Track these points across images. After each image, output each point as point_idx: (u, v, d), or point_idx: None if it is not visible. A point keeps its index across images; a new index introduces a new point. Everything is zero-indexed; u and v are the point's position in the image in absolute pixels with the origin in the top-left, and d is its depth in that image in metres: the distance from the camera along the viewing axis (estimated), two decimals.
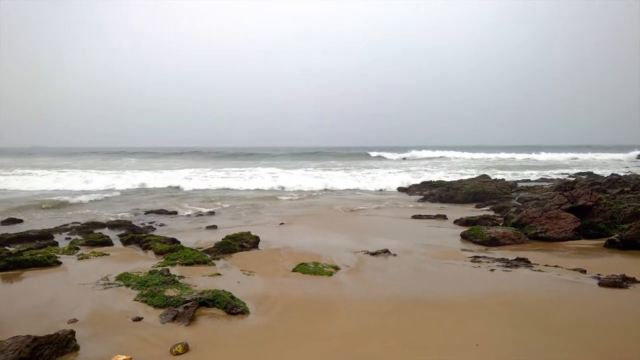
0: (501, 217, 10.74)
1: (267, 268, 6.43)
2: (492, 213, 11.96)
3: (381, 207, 13.82)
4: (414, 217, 11.53)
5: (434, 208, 13.59)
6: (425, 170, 30.08)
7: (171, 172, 27.76)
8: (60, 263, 6.54)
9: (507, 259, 6.67)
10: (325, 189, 18.58)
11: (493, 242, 8.02)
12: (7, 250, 6.94)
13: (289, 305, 4.80)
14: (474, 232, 8.49)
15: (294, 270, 6.22)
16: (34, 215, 12.19)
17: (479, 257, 6.94)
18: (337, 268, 6.34)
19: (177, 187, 19.32)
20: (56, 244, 8.17)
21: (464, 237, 8.66)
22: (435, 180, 19.84)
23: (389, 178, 22.09)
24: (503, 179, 18.74)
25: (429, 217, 11.44)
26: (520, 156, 47.15)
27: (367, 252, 7.29)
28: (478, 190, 15.29)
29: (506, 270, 6.09)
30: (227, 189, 19.25)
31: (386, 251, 7.22)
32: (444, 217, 11.33)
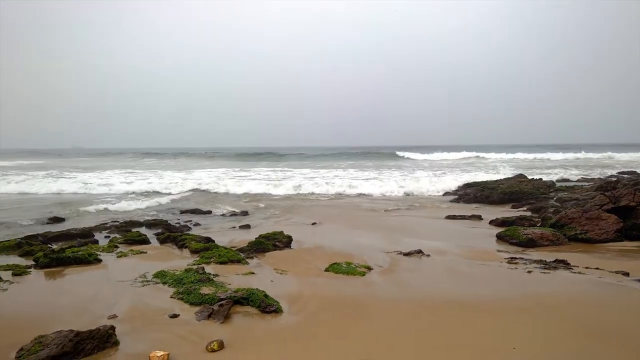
0: (538, 217, 10.45)
1: (300, 267, 6.46)
2: (529, 213, 11.65)
3: (414, 207, 13.67)
4: (448, 217, 11.35)
5: (469, 208, 13.34)
6: (458, 170, 29.48)
7: (204, 171, 28.27)
8: (101, 260, 6.75)
9: (545, 261, 6.48)
10: (357, 189, 18.37)
11: (530, 243, 7.81)
12: (50, 247, 7.23)
13: (322, 305, 4.80)
14: (510, 233, 8.29)
15: (326, 270, 6.23)
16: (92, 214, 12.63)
17: (515, 258, 6.77)
18: (369, 268, 6.31)
19: (209, 188, 19.59)
20: (96, 242, 8.46)
21: (500, 237, 8.46)
22: (480, 182, 18.73)
23: (422, 178, 21.76)
24: (540, 179, 18.18)
25: (463, 217, 11.24)
26: (556, 155, 45.49)
27: (400, 253, 7.22)
28: (514, 190, 14.91)
29: (544, 272, 5.92)
30: (259, 188, 19.30)
31: (420, 252, 7.14)
32: (479, 218, 11.11)
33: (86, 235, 8.95)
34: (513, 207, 13.43)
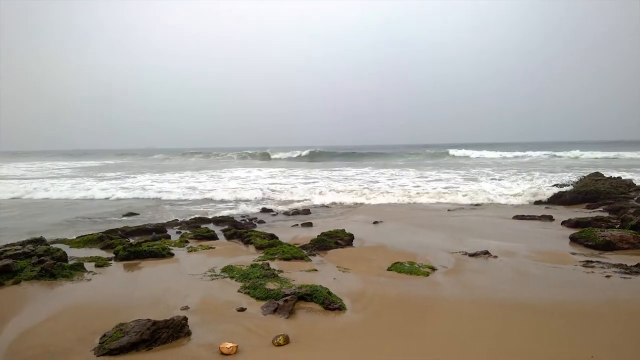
0: (617, 218, 9.78)
1: (362, 266, 6.48)
2: (606, 214, 10.94)
3: (478, 207, 13.25)
4: (516, 217, 10.90)
5: (539, 208, 12.75)
6: (518, 170, 28.16)
7: (257, 171, 28.97)
8: (173, 255, 7.13)
9: (626, 265, 6.08)
10: (417, 188, 18.03)
11: (608, 246, 7.34)
12: (128, 241, 7.74)
13: (385, 304, 4.80)
14: (585, 235, 7.84)
15: (389, 269, 6.21)
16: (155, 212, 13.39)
17: (591, 261, 6.41)
18: (433, 268, 6.22)
19: (267, 187, 20.03)
20: (169, 237, 8.93)
21: (574, 239, 8.02)
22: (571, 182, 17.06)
23: (476, 178, 21.00)
24: (619, 177, 16.97)
25: (533, 217, 10.75)
26: (629, 154, 41.80)
27: (466, 253, 7.05)
28: (589, 190, 14.01)
29: (624, 277, 5.56)
30: (317, 188, 19.37)
31: (486, 252, 6.93)
32: (550, 218, 10.58)
33: (160, 230, 9.47)
34: (588, 207, 12.67)
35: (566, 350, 3.66)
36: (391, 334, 4.05)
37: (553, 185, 16.51)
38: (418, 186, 17.97)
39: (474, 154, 47.81)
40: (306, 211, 12.83)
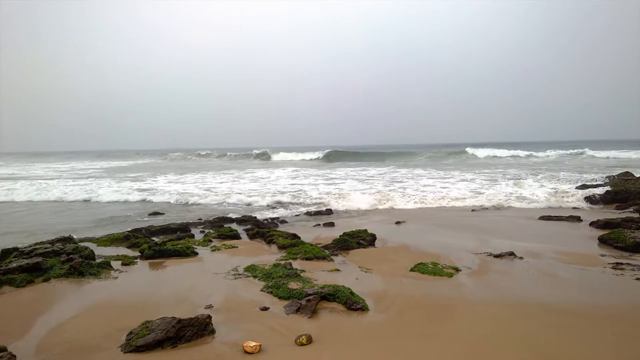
0: None
1: (385, 266, 6.44)
2: (636, 215, 10.62)
3: (504, 207, 13.02)
4: (542, 218, 10.69)
5: (566, 209, 12.46)
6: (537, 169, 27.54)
7: (277, 171, 29.08)
8: (197, 253, 7.22)
9: None
10: (444, 189, 17.75)
11: (638, 248, 7.12)
12: (153, 240, 7.86)
13: (408, 304, 4.76)
14: (614, 236, 7.62)
15: (411, 270, 6.16)
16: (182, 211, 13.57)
17: (621, 263, 6.24)
18: (457, 269, 6.14)
19: (289, 187, 20.07)
20: (193, 236, 9.05)
21: (603, 241, 7.81)
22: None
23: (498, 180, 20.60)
24: None
25: (559, 218, 10.52)
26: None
27: (490, 254, 6.94)
28: (619, 190, 13.64)
29: None
30: (339, 188, 19.25)
31: (511, 254, 6.81)
32: (578, 219, 10.33)
33: (184, 229, 9.60)
34: (617, 208, 12.32)
35: (594, 354, 3.57)
36: (414, 334, 4.02)
37: (580, 186, 16.12)
38: (445, 187, 17.33)
39: (492, 152, 46.62)
40: (328, 211, 12.82)
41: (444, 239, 8.37)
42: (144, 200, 15.98)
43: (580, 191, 14.45)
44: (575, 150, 44.19)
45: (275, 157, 53.79)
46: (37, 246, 6.74)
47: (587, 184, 16.59)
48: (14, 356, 3.51)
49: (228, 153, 64.41)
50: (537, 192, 14.98)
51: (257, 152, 58.97)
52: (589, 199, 13.36)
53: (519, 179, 19.64)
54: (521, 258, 6.69)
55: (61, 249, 6.41)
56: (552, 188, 15.70)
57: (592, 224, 9.58)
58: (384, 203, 13.91)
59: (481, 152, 46.51)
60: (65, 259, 6.00)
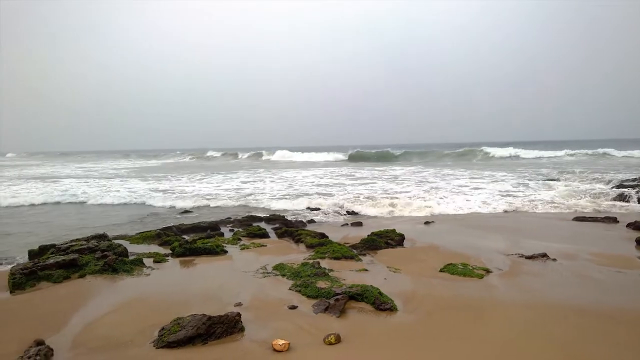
0: None
1: (413, 266, 6.37)
2: None
3: (536, 207, 12.71)
4: (576, 218, 10.38)
5: (601, 210, 12.06)
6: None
7: (306, 172, 29.10)
8: (226, 252, 7.31)
9: None
10: (476, 190, 17.41)
11: None
12: (184, 238, 8.00)
13: (437, 305, 4.69)
14: None
15: (441, 270, 6.07)
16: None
17: None
18: (488, 271, 6.02)
19: (315, 187, 20.09)
20: (222, 234, 9.17)
21: None
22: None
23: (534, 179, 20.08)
24: None
25: (595, 219, 10.19)
26: None
27: (522, 255, 6.79)
28: None
29: None
30: (371, 188, 19.14)
31: (544, 255, 6.64)
32: (614, 220, 9.98)
33: (214, 228, 9.73)
34: None
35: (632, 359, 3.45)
36: (444, 336, 3.96)
37: (616, 186, 15.60)
38: (479, 188, 16.69)
39: (514, 152, 44.32)
40: (355, 211, 12.77)
41: (474, 240, 8.23)
42: (175, 198, 16.20)
43: (616, 191, 13.99)
44: (602, 150, 42.01)
45: (296, 158, 53.66)
46: (73, 243, 6.95)
47: (624, 183, 16.02)
48: (52, 350, 3.63)
49: (240, 154, 64.41)
50: (568, 191, 14.56)
51: (266, 151, 59.00)
52: (625, 199, 12.91)
53: (552, 179, 19.14)
54: (554, 259, 6.51)
55: (96, 246, 6.59)
56: (587, 188, 15.22)
57: (629, 225, 9.24)
58: (422, 210, 12.52)
59: (501, 152, 44.62)
60: (99, 255, 6.16)
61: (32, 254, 6.99)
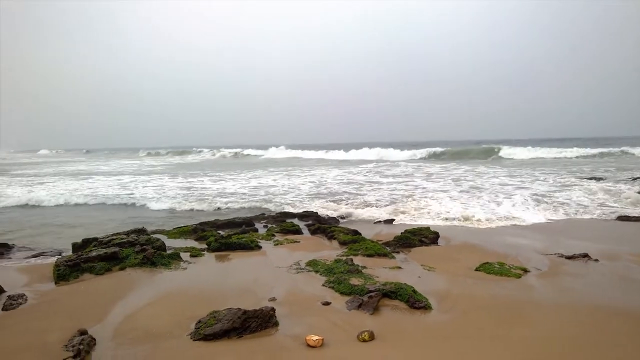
0: None
1: (448, 265, 6.29)
2: None
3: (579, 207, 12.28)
4: (620, 218, 9.99)
5: None
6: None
7: (337, 170, 29.03)
8: (260, 247, 7.40)
9: None
10: (515, 188, 16.89)
11: None
12: (220, 233, 8.15)
13: (473, 305, 4.62)
14: None
15: (476, 270, 5.97)
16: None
17: None
18: (525, 270, 5.88)
19: (344, 184, 20.02)
20: (256, 230, 9.28)
21: None
22: None
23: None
24: None
25: None
26: None
27: (562, 255, 6.59)
28: None
29: None
30: (408, 185, 18.86)
31: (585, 255, 6.42)
32: None
33: (248, 223, 9.87)
34: None
35: None
36: (481, 336, 3.89)
37: None
38: (522, 188, 15.41)
39: (534, 151, 41.11)
40: (388, 207, 12.67)
41: (510, 238, 8.05)
42: (212, 194, 16.40)
43: None
44: (619, 149, 39.14)
45: (306, 155, 52.67)
46: (114, 237, 7.19)
47: None
48: (94, 339, 3.77)
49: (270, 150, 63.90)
50: (609, 190, 13.96)
51: (276, 149, 58.31)
52: None
53: (595, 178, 18.44)
54: (596, 260, 6.30)
55: (135, 240, 6.79)
56: (630, 187, 14.58)
57: None
58: (472, 219, 10.26)
59: (520, 152, 41.54)
60: (139, 249, 6.36)
61: (76, 247, 7.27)
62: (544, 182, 16.97)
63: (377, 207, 12.29)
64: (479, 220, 10.03)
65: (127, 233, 7.92)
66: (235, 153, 64.62)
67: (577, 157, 36.62)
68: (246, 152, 65.67)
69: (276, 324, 4.11)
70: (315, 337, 3.70)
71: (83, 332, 3.84)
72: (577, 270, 5.87)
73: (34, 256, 7.17)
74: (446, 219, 10.37)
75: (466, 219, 10.18)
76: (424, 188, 16.34)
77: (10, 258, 7.11)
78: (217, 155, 65.02)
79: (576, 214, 10.78)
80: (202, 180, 21.58)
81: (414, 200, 13.21)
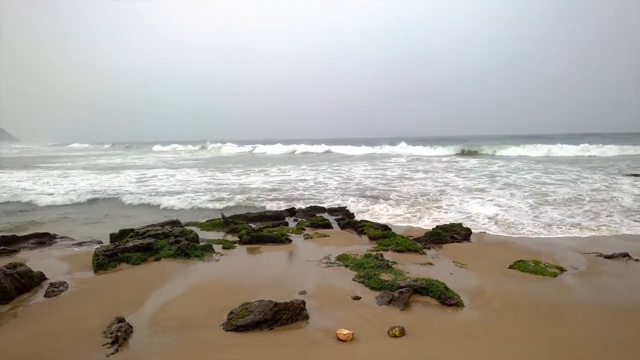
0: None
1: (481, 262, 6.19)
2: None
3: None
4: None
5: None
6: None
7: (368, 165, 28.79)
8: (291, 241, 7.46)
9: None
10: (555, 187, 16.48)
11: None
12: (251, 226, 8.25)
13: (507, 303, 4.53)
14: None
15: (510, 267, 5.85)
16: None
17: None
18: (562, 269, 5.73)
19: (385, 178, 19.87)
20: (287, 224, 9.35)
21: None
22: None
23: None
24: None
25: None
26: None
27: (600, 255, 6.39)
28: None
29: None
30: (441, 181, 18.57)
31: (625, 255, 6.21)
32: None
33: (278, 217, 9.95)
34: None
35: None
36: (513, 335, 3.82)
37: None
38: (561, 184, 15.49)
39: (551, 150, 38.04)
40: (418, 202, 12.53)
41: (546, 236, 7.85)
42: (243, 188, 16.62)
43: None
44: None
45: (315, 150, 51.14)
46: (150, 228, 7.38)
47: None
48: (131, 327, 3.89)
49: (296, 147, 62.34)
50: None
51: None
52: None
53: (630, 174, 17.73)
54: (637, 260, 6.07)
55: (170, 232, 6.96)
56: None
57: None
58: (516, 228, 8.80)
59: (537, 149, 37.99)
60: (173, 240, 6.51)
61: (113, 237, 7.50)
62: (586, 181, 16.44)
63: (405, 204, 12.15)
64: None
65: (162, 225, 8.10)
66: (252, 148, 63.14)
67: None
68: (274, 147, 64.06)
69: (307, 317, 4.14)
70: (345, 331, 3.71)
71: (121, 320, 3.97)
72: (616, 270, 5.68)
73: (76, 245, 7.42)
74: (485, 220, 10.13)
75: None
76: (454, 186, 16.06)
77: (57, 243, 7.36)
78: (244, 149, 64.02)
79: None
80: (239, 174, 21.81)
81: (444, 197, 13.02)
